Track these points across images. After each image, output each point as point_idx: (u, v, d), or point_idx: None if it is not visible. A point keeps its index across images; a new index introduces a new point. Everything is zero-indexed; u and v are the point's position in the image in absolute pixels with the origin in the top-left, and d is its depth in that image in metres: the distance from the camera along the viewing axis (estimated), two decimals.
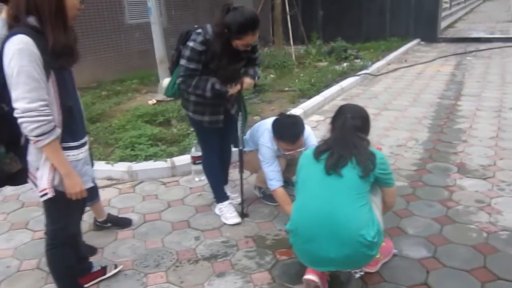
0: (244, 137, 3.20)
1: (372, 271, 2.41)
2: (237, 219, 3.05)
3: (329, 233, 2.01)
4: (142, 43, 9.15)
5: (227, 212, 3.09)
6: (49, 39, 1.74)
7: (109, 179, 3.87)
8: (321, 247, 2.03)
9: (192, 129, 4.80)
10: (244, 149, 3.23)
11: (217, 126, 2.94)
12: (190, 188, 3.69)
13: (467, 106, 5.68)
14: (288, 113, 3.38)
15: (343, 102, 6.14)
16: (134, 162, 3.96)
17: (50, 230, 2.06)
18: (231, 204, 3.15)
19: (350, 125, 2.25)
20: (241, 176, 3.14)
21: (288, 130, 2.84)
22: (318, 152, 2.20)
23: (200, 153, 3.76)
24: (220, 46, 2.58)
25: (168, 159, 3.98)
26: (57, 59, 1.78)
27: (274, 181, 2.90)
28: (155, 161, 3.97)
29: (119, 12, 8.41)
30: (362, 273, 2.40)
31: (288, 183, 3.32)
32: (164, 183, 3.81)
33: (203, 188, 3.66)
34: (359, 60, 9.13)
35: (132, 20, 8.80)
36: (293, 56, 9.41)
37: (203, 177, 3.80)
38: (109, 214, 3.07)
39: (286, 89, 6.81)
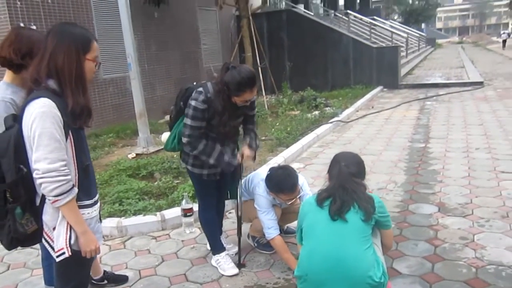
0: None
1: None
2: (235, 270, 3.08)
3: (339, 276, 2.09)
4: (116, 97, 9.26)
5: (225, 264, 3.11)
6: (69, 101, 1.83)
7: None
8: None
9: (177, 182, 4.88)
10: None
11: (215, 179, 3.02)
12: (182, 241, 3.69)
13: (437, 148, 6.01)
14: (277, 164, 3.50)
15: (320, 149, 6.38)
16: (123, 218, 3.94)
17: None
18: (228, 255, 3.18)
19: (346, 173, 2.39)
20: (240, 227, 3.19)
21: (285, 182, 2.95)
22: (320, 199, 2.31)
23: (190, 205, 3.84)
24: (221, 104, 2.71)
25: (158, 213, 3.99)
26: (76, 120, 1.86)
27: (272, 230, 2.98)
28: (144, 215, 3.97)
29: None
30: None
31: (281, 231, 3.39)
32: (154, 237, 3.79)
33: (195, 241, 3.68)
34: (329, 108, 9.52)
35: (106, 75, 8.93)
36: (266, 106, 9.72)
37: (194, 229, 3.85)
38: (105, 271, 3.03)
39: (263, 138, 6.99)
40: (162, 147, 6.43)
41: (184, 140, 2.79)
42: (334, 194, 2.31)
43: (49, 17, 7.64)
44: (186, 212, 3.80)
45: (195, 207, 3.92)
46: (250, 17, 10.28)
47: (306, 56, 13.76)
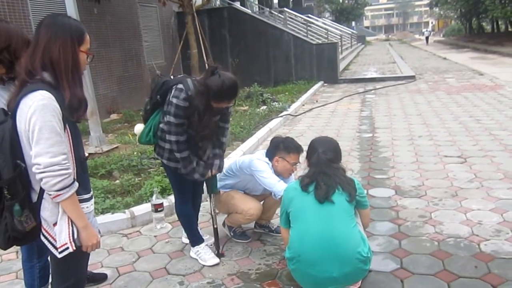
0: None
1: None
2: (216, 260, 3.13)
3: (331, 254, 2.23)
4: None
5: (205, 254, 3.16)
6: (66, 94, 1.80)
7: None
8: (325, 269, 2.24)
9: (139, 179, 4.81)
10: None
11: None
12: (155, 236, 3.68)
13: (384, 137, 6.41)
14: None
15: None
16: None
17: None
18: (207, 245, 3.23)
19: (324, 159, 2.54)
20: (215, 218, 3.24)
21: (293, 143, 3.14)
22: (304, 185, 2.44)
23: (161, 201, 3.83)
24: (203, 104, 2.73)
25: (127, 210, 3.93)
26: (73, 112, 1.84)
27: (281, 183, 3.01)
28: (113, 213, 3.89)
29: None
30: None
31: (271, 230, 3.53)
32: (125, 235, 3.74)
33: (168, 235, 3.68)
34: (276, 102, 9.74)
35: None
36: None
37: (165, 224, 3.84)
38: None
39: None
40: (116, 145, 6.33)
41: (172, 137, 2.79)
42: (316, 179, 2.44)
43: None
44: (157, 208, 3.79)
45: (165, 202, 3.94)
46: (195, 14, 10.24)
47: (248, 53, 13.95)
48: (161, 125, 2.91)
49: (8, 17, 7.62)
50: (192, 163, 2.90)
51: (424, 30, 51.42)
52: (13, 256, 3.40)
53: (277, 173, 3.15)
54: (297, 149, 3.14)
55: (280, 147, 3.14)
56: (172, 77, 2.91)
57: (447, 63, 18.77)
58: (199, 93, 2.73)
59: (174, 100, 2.73)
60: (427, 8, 77.01)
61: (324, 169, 2.48)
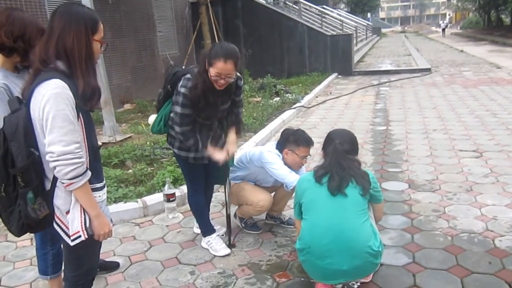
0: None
1: (367, 281, 2.64)
2: (227, 250, 3.14)
3: (341, 247, 2.22)
4: None
5: (216, 244, 3.17)
6: (80, 82, 1.80)
7: None
8: (334, 261, 2.23)
9: (151, 169, 4.84)
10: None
11: (202, 163, 3.05)
12: (167, 226, 3.70)
13: (398, 130, 6.34)
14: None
15: None
16: None
17: (72, 276, 2.02)
18: (218, 236, 3.24)
19: (340, 150, 2.50)
20: (228, 210, 3.25)
21: (303, 136, 3.10)
22: (318, 176, 2.42)
23: (173, 191, 3.85)
24: (196, 78, 2.70)
25: (139, 200, 3.95)
26: (87, 101, 1.84)
27: (292, 174, 3.00)
28: (125, 202, 3.92)
29: None
30: (358, 284, 2.63)
31: (283, 222, 3.53)
32: (137, 224, 3.77)
33: (180, 225, 3.70)
34: (289, 94, 9.69)
35: None
36: None
37: (177, 214, 3.87)
38: None
39: None
40: (129, 135, 6.38)
41: (178, 129, 2.80)
42: (331, 171, 2.42)
43: None
44: (169, 198, 3.81)
45: (177, 192, 3.96)
46: (209, 4, 10.20)
47: (262, 44, 13.87)
48: (171, 114, 2.92)
49: (24, 6, 7.68)
50: (201, 142, 2.87)
51: (441, 22, 50.55)
52: (27, 243, 3.45)
53: (287, 165, 3.12)
54: (307, 142, 3.10)
55: (290, 140, 3.11)
56: (183, 67, 2.91)
57: (464, 56, 18.46)
58: (197, 73, 2.72)
59: (182, 90, 2.73)
60: (445, 0, 75.65)
61: (339, 160, 2.45)
